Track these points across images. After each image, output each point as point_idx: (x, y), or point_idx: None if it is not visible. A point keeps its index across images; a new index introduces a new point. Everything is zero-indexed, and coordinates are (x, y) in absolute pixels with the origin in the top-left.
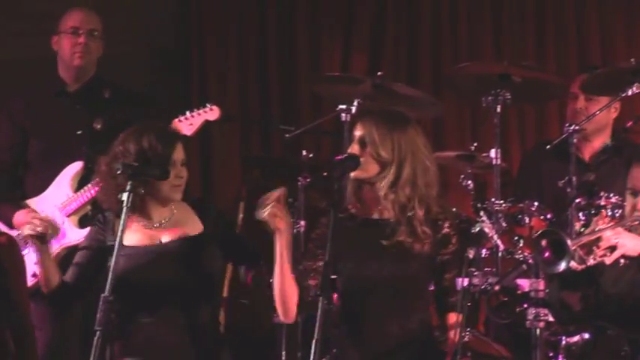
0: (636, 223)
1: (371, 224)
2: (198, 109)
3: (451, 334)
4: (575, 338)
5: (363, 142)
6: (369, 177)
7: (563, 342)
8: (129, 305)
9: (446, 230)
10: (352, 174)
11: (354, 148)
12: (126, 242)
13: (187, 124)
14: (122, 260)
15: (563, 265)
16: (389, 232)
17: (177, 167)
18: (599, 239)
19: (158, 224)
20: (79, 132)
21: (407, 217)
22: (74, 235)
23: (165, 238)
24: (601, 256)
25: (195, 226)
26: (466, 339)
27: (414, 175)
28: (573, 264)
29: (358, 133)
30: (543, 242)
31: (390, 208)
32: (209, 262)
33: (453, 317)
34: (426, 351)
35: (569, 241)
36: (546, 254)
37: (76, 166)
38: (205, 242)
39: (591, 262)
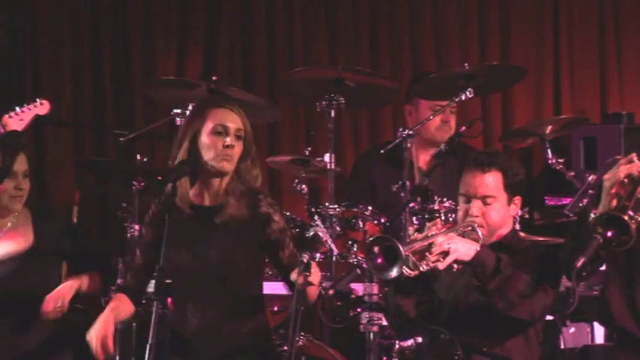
0: (469, 228)
1: (210, 211)
2: (28, 104)
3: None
4: (409, 342)
5: (239, 135)
6: (233, 169)
7: (397, 346)
8: None
9: (264, 210)
10: (224, 166)
11: (233, 140)
12: None
13: (17, 119)
14: None
15: (395, 272)
16: (220, 214)
17: (18, 178)
18: (431, 245)
19: None
20: None
21: (237, 193)
22: None
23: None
24: (434, 262)
25: (26, 239)
26: (300, 343)
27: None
28: (406, 270)
29: (237, 125)
30: (375, 248)
31: (227, 195)
32: (39, 273)
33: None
34: (257, 343)
35: (401, 248)
36: (379, 260)
37: None
38: (35, 255)
39: (424, 268)
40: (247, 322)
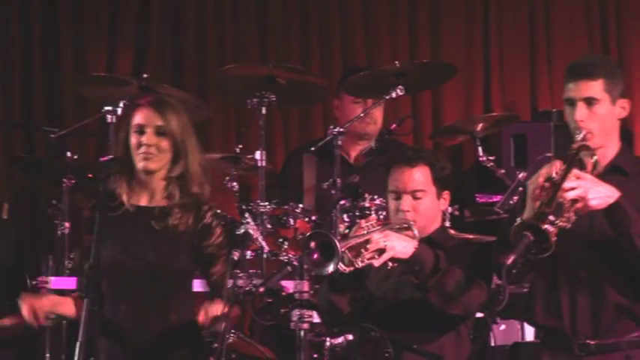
0: (405, 226)
1: (147, 212)
2: None
3: (201, 315)
4: (340, 339)
5: (160, 132)
6: (162, 167)
7: (328, 343)
8: None
9: (207, 220)
10: (146, 164)
11: (151, 138)
12: None
13: None
14: None
15: (331, 267)
16: (160, 218)
17: None
18: (368, 242)
19: None
20: None
21: (182, 203)
22: None
23: None
24: (369, 259)
25: None
26: (231, 340)
27: (197, 164)
28: (342, 266)
29: (155, 122)
30: (312, 244)
31: (167, 195)
32: None
33: (217, 304)
34: (187, 339)
35: (337, 243)
36: (315, 256)
37: None
38: None
39: (360, 264)
40: (178, 320)
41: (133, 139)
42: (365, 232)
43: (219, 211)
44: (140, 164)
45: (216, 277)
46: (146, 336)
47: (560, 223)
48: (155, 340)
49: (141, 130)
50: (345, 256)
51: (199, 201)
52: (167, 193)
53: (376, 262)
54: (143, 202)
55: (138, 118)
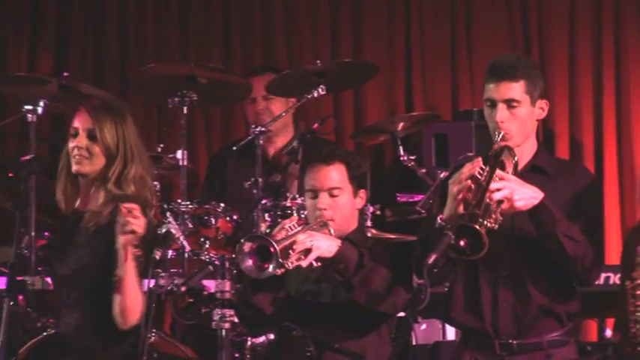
0: (320, 224)
1: (77, 215)
2: None
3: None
4: (261, 339)
5: (92, 135)
6: (95, 170)
7: (249, 343)
8: None
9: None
10: (78, 168)
11: (82, 141)
12: None
13: None
14: None
15: (271, 270)
16: (91, 220)
17: None
18: (293, 243)
19: None
20: None
21: (115, 208)
22: None
23: None
24: (297, 260)
25: None
26: (152, 340)
27: (135, 172)
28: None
29: (87, 126)
30: (247, 247)
31: (102, 199)
32: None
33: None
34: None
35: (275, 246)
36: (251, 260)
37: None
38: None
39: (289, 265)
40: (107, 322)
41: (69, 142)
42: (289, 232)
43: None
44: (73, 167)
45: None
46: (77, 337)
47: (489, 225)
48: (86, 342)
49: (75, 133)
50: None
51: (121, 197)
52: (98, 197)
53: (303, 263)
54: (78, 205)
55: (74, 121)
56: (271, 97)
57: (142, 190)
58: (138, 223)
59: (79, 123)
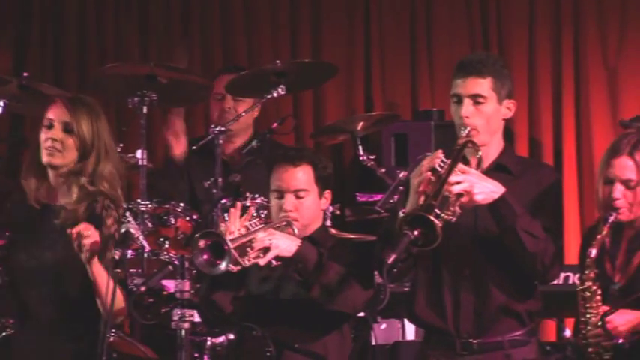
0: (284, 223)
1: (52, 210)
2: None
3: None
4: (221, 339)
5: (68, 129)
6: (66, 164)
7: (209, 342)
8: None
9: (98, 211)
10: (49, 160)
11: (57, 134)
12: None
13: None
14: None
15: (223, 267)
16: (68, 218)
17: None
18: (252, 240)
19: None
20: None
21: (90, 204)
22: None
23: None
24: (255, 258)
25: None
26: (111, 339)
27: (108, 170)
28: (230, 265)
29: (63, 118)
30: (202, 243)
31: (75, 195)
32: None
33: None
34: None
35: (229, 243)
36: (205, 256)
37: None
38: None
39: (246, 263)
40: (77, 317)
41: (42, 134)
42: (250, 229)
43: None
44: (44, 159)
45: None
46: (45, 330)
47: (446, 217)
48: (54, 334)
49: (50, 125)
50: (231, 255)
51: (97, 192)
52: (69, 191)
53: (261, 261)
54: (46, 199)
55: (49, 113)
56: (240, 98)
57: (114, 188)
58: (91, 241)
59: (54, 115)
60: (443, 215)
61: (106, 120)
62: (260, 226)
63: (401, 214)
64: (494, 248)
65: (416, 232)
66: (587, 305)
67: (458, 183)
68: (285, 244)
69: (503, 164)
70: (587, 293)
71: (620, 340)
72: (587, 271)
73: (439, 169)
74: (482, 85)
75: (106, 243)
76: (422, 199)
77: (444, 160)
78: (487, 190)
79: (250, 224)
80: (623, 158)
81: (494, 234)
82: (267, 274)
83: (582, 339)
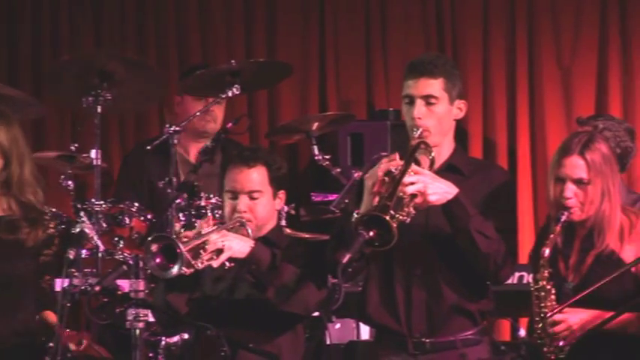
0: (238, 224)
1: None
2: None
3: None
4: (175, 338)
5: None
6: None
7: (163, 342)
8: None
9: (51, 230)
10: None
11: None
12: None
13: None
14: None
15: (175, 270)
16: (5, 229)
17: None
18: (206, 243)
19: None
20: None
21: (28, 218)
22: None
23: None
24: (208, 260)
25: None
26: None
27: (29, 172)
28: (183, 268)
29: None
30: (154, 247)
31: (9, 207)
32: None
33: (51, 315)
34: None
35: (181, 246)
36: (158, 259)
37: None
38: None
39: (199, 265)
40: (20, 326)
41: None
42: (203, 232)
43: (54, 209)
44: None
45: (46, 284)
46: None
47: (400, 217)
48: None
49: None
50: (185, 258)
51: (40, 211)
52: (2, 202)
53: (215, 263)
54: None
55: None
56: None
57: (39, 192)
58: None
59: None
60: (397, 216)
61: (19, 125)
62: (213, 228)
63: (355, 215)
64: (446, 248)
65: (371, 233)
66: (542, 305)
67: (412, 184)
68: (238, 246)
69: (454, 165)
70: (542, 293)
71: (561, 343)
72: (541, 271)
73: (393, 170)
74: (434, 86)
75: (51, 261)
76: (376, 199)
77: (399, 162)
78: (441, 191)
79: (204, 226)
80: (575, 157)
81: (446, 233)
82: (221, 275)
83: (538, 339)
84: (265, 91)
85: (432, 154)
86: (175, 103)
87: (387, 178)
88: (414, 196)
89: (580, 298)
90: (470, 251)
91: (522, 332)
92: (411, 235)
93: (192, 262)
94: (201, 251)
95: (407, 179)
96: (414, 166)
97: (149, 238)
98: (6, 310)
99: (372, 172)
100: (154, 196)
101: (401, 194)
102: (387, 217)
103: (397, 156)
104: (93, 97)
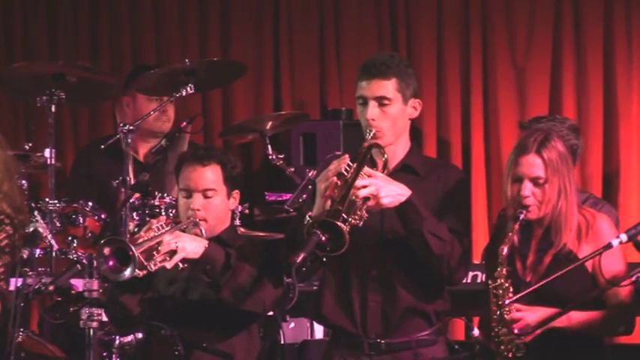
0: (191, 224)
1: None
2: None
3: None
4: (129, 338)
5: None
6: None
7: (117, 341)
8: None
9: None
10: None
11: None
12: None
13: None
14: None
15: (128, 273)
16: None
17: None
18: (159, 244)
19: None
20: None
21: None
22: None
23: None
24: (161, 262)
25: None
26: (19, 339)
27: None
28: (136, 271)
29: None
30: (107, 250)
31: None
32: None
33: None
34: None
35: (133, 249)
36: (110, 262)
37: None
38: None
39: (152, 267)
40: None
41: None
42: (156, 232)
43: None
44: None
45: None
46: None
47: (353, 221)
48: None
49: None
50: (138, 260)
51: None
52: None
53: (168, 264)
54: None
55: None
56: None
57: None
58: None
59: None
60: (350, 220)
61: None
62: (167, 228)
63: (307, 218)
64: (401, 249)
65: (323, 238)
66: (500, 303)
67: (364, 187)
68: (191, 247)
69: (409, 165)
70: (500, 290)
71: (518, 341)
72: (499, 268)
73: (345, 173)
74: (387, 87)
75: None
76: (328, 203)
77: (350, 164)
78: (393, 194)
79: (158, 226)
80: (531, 156)
81: (401, 235)
82: (175, 276)
83: (495, 337)
84: (219, 91)
85: (385, 156)
86: (125, 104)
87: (339, 182)
88: (366, 199)
89: (541, 297)
90: (423, 253)
91: (476, 331)
92: (366, 237)
93: (146, 264)
94: (155, 253)
95: (359, 182)
96: (366, 169)
97: (101, 241)
98: None
99: (324, 175)
100: (105, 194)
101: (353, 198)
102: (339, 222)
103: (347, 157)
104: (47, 97)
